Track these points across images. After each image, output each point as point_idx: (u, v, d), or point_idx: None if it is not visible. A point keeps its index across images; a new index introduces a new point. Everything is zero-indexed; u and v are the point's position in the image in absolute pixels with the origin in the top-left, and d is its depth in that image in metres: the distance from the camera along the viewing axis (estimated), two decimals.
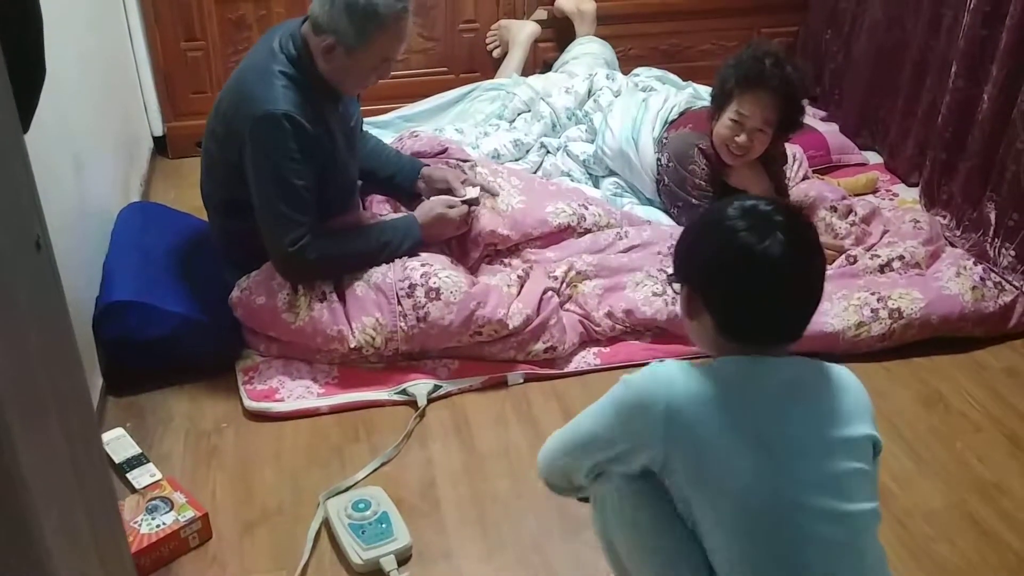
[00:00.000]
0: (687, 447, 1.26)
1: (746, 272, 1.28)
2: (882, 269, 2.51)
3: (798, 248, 1.27)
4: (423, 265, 2.24)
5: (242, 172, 2.11)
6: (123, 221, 2.50)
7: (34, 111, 1.28)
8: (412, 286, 2.20)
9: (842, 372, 1.38)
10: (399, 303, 2.19)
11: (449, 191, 2.44)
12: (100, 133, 2.59)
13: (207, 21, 3.26)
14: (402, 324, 2.17)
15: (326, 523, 1.82)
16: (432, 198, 2.39)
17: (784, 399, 1.30)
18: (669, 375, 1.29)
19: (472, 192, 2.43)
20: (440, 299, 2.18)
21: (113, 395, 2.19)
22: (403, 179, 2.51)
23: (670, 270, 1.42)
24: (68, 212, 2.13)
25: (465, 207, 2.37)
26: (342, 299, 2.22)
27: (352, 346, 2.18)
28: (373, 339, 2.18)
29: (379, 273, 2.23)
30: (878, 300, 2.35)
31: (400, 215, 2.38)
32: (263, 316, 2.22)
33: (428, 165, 2.57)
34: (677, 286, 1.38)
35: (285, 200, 2.08)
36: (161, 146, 3.42)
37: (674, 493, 1.31)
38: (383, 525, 1.78)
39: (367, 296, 2.20)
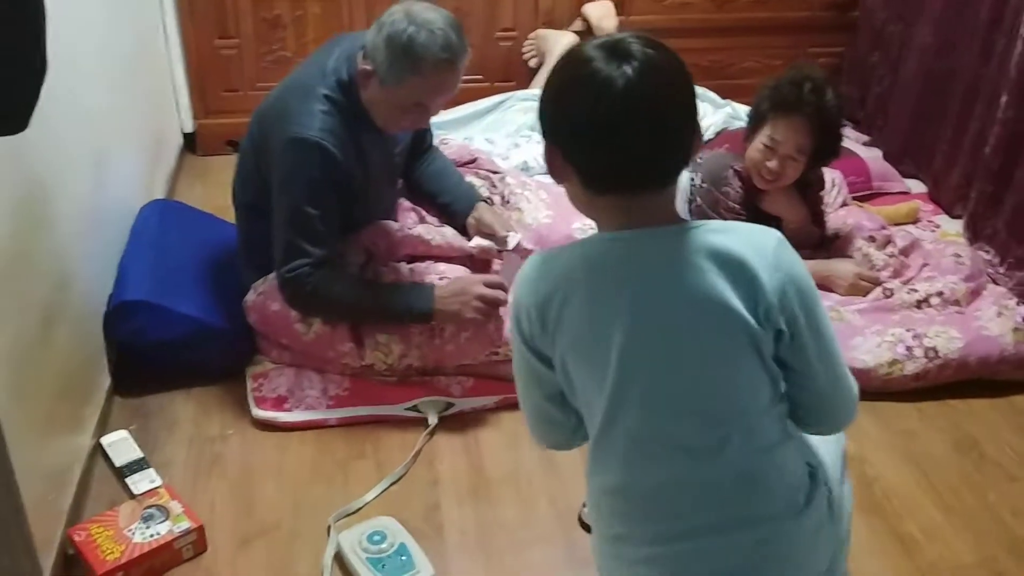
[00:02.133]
0: (557, 324, 1.21)
1: (591, 100, 1.13)
2: (919, 305, 2.41)
3: (649, 74, 1.13)
4: (440, 279, 2.18)
5: (272, 186, 2.06)
6: (143, 218, 2.47)
7: (33, 108, 1.23)
8: None
9: (738, 242, 1.18)
10: None
11: (493, 236, 2.33)
12: (124, 128, 2.57)
13: (242, 19, 3.24)
14: (416, 340, 2.11)
15: (338, 555, 1.75)
16: (465, 278, 2.16)
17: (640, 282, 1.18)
18: (528, 268, 1.25)
19: (512, 239, 2.32)
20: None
21: (120, 395, 2.16)
22: (458, 210, 2.40)
23: None
24: (85, 206, 2.10)
25: (500, 294, 2.10)
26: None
27: (365, 362, 2.13)
28: (386, 356, 2.12)
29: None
30: (913, 337, 2.25)
31: (422, 285, 2.15)
32: (276, 323, 2.17)
33: (489, 200, 2.49)
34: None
35: (295, 227, 2.02)
36: (190, 143, 3.40)
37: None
38: (403, 558, 1.71)
39: None
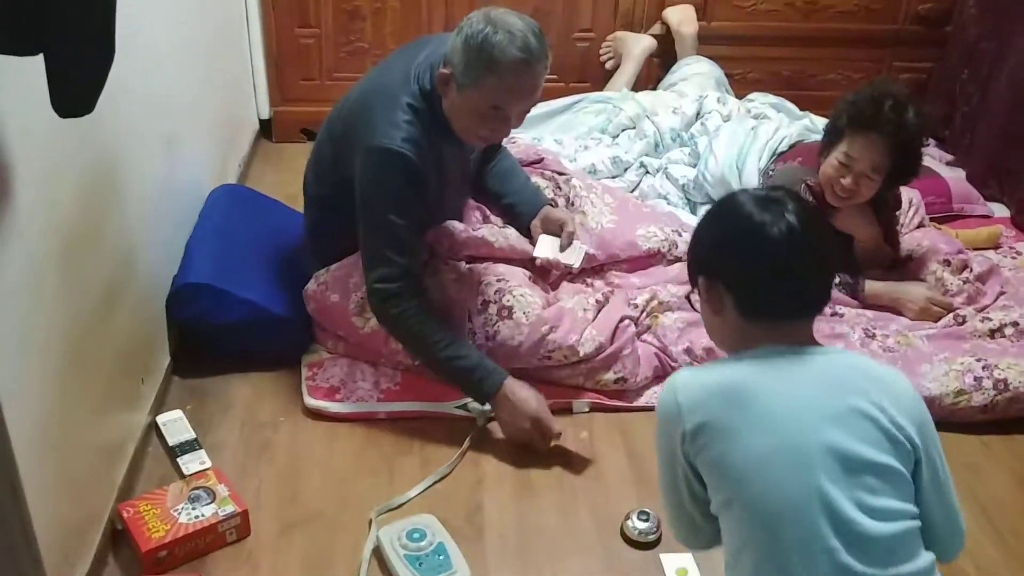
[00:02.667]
0: (708, 435, 1.28)
1: (762, 244, 1.32)
2: (992, 334, 2.32)
3: (807, 222, 1.33)
4: (499, 280, 2.17)
5: (347, 182, 2.04)
6: (212, 202, 2.51)
7: (100, 91, 1.26)
8: (485, 303, 2.13)
9: (888, 371, 1.37)
10: (470, 320, 2.12)
11: (559, 234, 2.28)
12: (200, 112, 2.62)
13: (322, 9, 3.28)
14: (470, 342, 2.11)
15: (377, 549, 1.76)
16: (538, 400, 2.00)
17: (807, 387, 1.30)
18: (682, 375, 1.35)
19: (574, 257, 2.24)
20: (512, 319, 2.11)
21: (179, 376, 2.20)
22: (522, 212, 2.36)
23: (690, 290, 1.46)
24: (155, 187, 2.14)
25: (549, 426, 1.98)
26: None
27: (417, 361, 2.13)
28: None
29: (454, 286, 2.17)
30: (983, 368, 2.17)
31: (498, 369, 2.03)
32: (333, 314, 2.19)
33: (554, 203, 2.46)
34: (695, 296, 1.43)
35: (383, 238, 2.00)
36: (266, 129, 3.45)
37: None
38: (440, 557, 1.71)
39: (440, 307, 2.14)
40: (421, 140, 1.98)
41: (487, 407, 2.05)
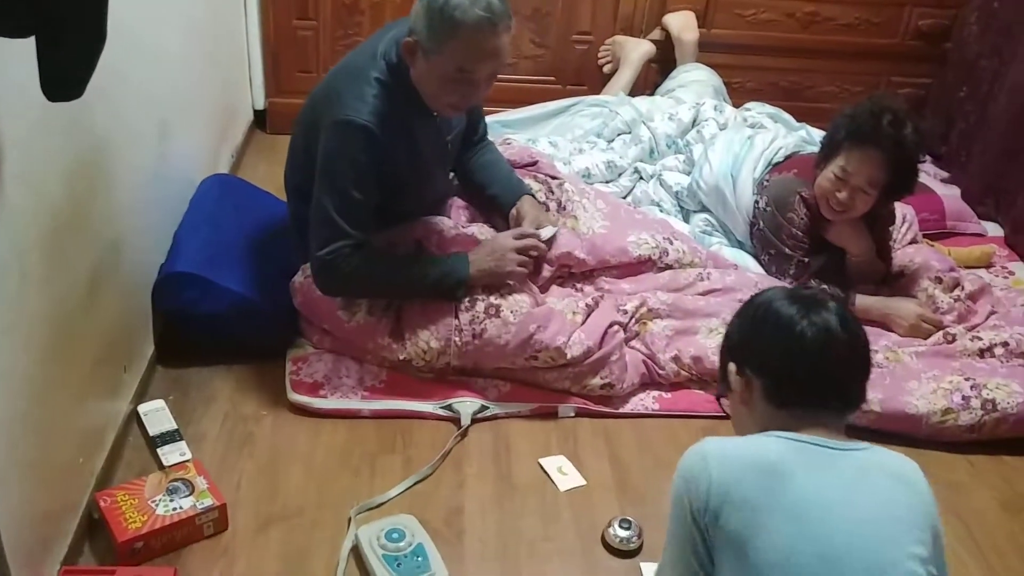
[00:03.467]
0: (731, 510, 1.24)
1: (802, 340, 1.33)
2: (982, 353, 2.31)
3: (847, 322, 1.35)
4: None
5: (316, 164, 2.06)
6: (203, 192, 2.49)
7: (90, 76, 1.24)
8: (473, 299, 2.12)
9: (905, 465, 1.34)
10: (456, 316, 2.11)
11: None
12: (194, 100, 2.59)
13: (321, 2, 3.26)
14: (456, 339, 2.09)
15: (355, 548, 1.74)
16: (498, 244, 2.17)
17: (837, 489, 1.26)
18: (713, 444, 1.31)
19: (547, 231, 2.28)
20: (499, 316, 2.10)
21: (162, 365, 2.18)
22: (504, 202, 2.37)
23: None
24: (146, 175, 2.12)
25: (531, 241, 2.16)
26: (401, 307, 2.16)
27: (402, 357, 2.12)
28: (425, 352, 2.11)
29: None
30: (972, 387, 2.16)
31: (458, 254, 2.17)
32: (319, 307, 2.17)
33: (546, 208, 2.45)
34: (725, 400, 1.44)
35: (337, 208, 2.00)
36: (261, 120, 3.43)
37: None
38: (419, 558, 1.69)
39: (426, 306, 2.13)
40: (388, 114, 1.98)
41: (473, 405, 2.04)
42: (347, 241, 2.01)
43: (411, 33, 1.94)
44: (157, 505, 1.74)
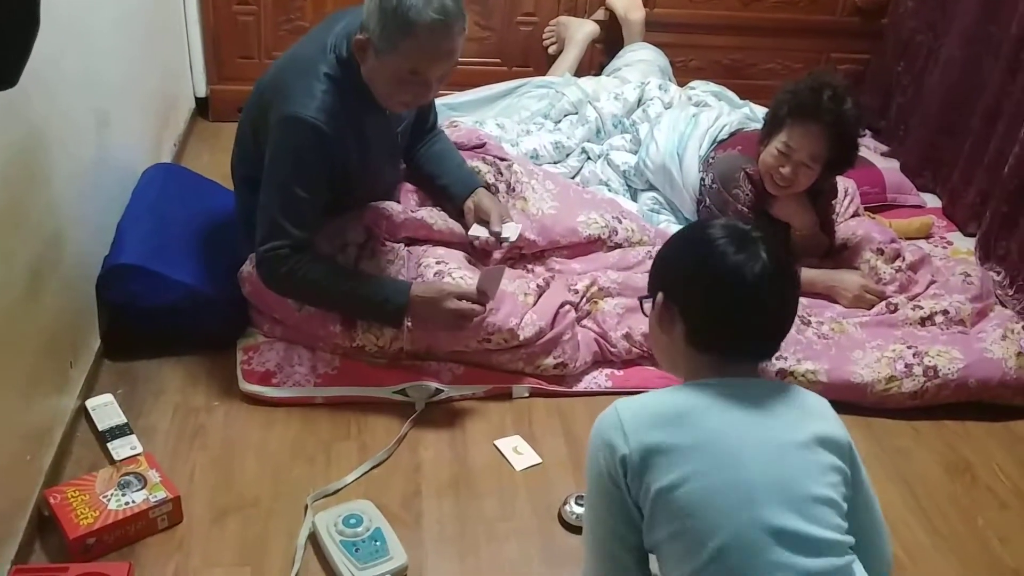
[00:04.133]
0: (652, 465, 1.26)
1: (728, 283, 1.31)
2: (923, 322, 2.37)
3: (778, 267, 1.32)
4: (438, 263, 2.16)
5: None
6: (145, 182, 2.45)
7: (23, 65, 1.21)
8: None
9: (811, 396, 1.39)
10: None
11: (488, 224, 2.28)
12: (132, 89, 2.54)
13: None
14: (408, 323, 2.09)
15: (313, 535, 1.73)
16: (442, 284, 2.10)
17: (746, 421, 1.30)
18: (624, 400, 1.32)
19: (510, 230, 2.26)
20: None
21: (109, 359, 2.14)
22: (456, 193, 2.34)
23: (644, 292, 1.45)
24: (85, 164, 2.08)
25: (471, 309, 2.03)
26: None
27: (355, 344, 2.11)
28: (378, 338, 2.11)
29: (392, 270, 2.15)
30: (914, 355, 2.22)
31: (399, 280, 2.14)
32: (269, 296, 2.15)
33: (495, 189, 2.45)
34: (648, 304, 1.41)
35: (282, 207, 1.97)
36: (203, 108, 3.38)
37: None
38: (377, 543, 1.69)
39: None
40: (337, 110, 1.95)
41: (427, 389, 2.04)
42: (286, 241, 1.98)
43: (363, 30, 1.90)
44: (109, 500, 1.71)
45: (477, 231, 2.26)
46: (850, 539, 1.29)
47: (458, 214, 2.33)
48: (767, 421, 1.30)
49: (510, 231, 2.26)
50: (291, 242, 1.98)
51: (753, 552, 1.22)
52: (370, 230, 2.22)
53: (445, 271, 2.14)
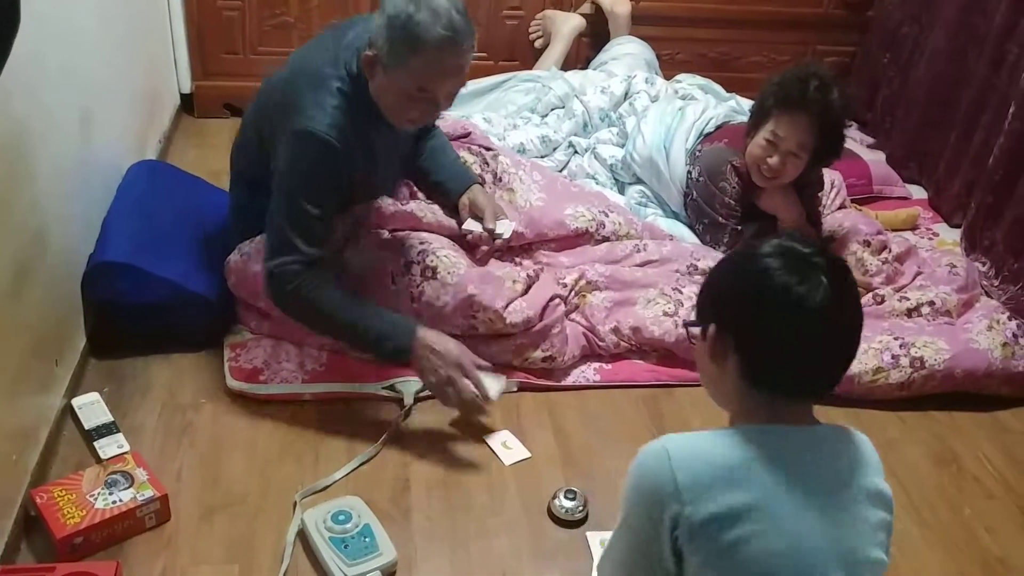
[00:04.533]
0: (706, 522, 1.17)
1: (788, 315, 1.20)
2: (910, 313, 2.38)
3: (842, 295, 1.21)
4: (421, 244, 2.14)
5: (269, 162, 1.99)
6: (130, 178, 2.43)
7: (3, 62, 1.20)
8: (408, 263, 2.11)
9: (863, 444, 1.31)
10: (393, 282, 2.11)
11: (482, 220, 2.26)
12: (116, 85, 2.53)
13: None
14: (395, 305, 2.08)
15: (302, 532, 1.73)
16: (460, 350, 1.96)
17: (806, 478, 1.21)
18: (676, 442, 1.21)
19: (504, 227, 2.26)
20: (436, 278, 2.10)
21: (95, 357, 2.13)
22: (450, 189, 2.32)
23: (690, 310, 1.36)
24: (69, 161, 2.07)
25: (472, 394, 1.95)
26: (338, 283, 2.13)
27: (324, 336, 2.10)
28: None
29: (376, 251, 2.15)
30: (901, 346, 2.22)
31: (405, 316, 2.05)
32: (254, 286, 2.12)
33: (482, 179, 2.43)
34: (696, 330, 1.30)
35: (292, 221, 1.93)
36: (188, 104, 3.36)
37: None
38: (366, 539, 1.68)
39: (362, 280, 2.11)
40: (347, 127, 1.92)
41: (415, 384, 2.04)
42: (297, 257, 1.93)
43: (371, 46, 1.87)
44: (96, 499, 1.70)
45: (471, 226, 2.26)
46: None
47: (452, 210, 2.32)
48: (825, 477, 1.22)
49: (504, 228, 2.25)
50: (302, 258, 1.93)
51: None
52: (357, 220, 2.21)
53: (429, 250, 2.13)
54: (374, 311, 2.00)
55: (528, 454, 1.98)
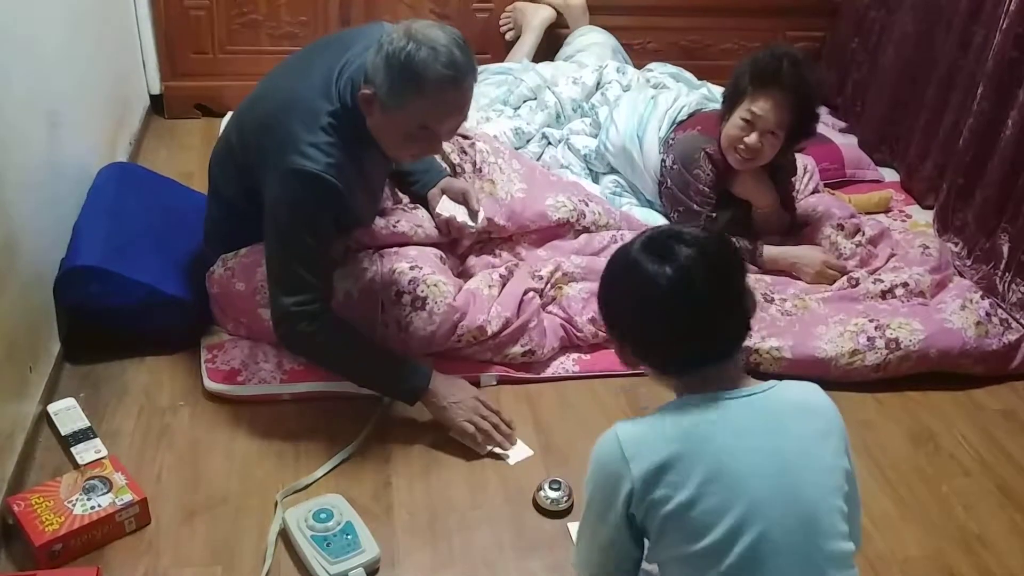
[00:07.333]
0: (659, 491, 1.26)
1: (651, 299, 1.28)
2: (884, 295, 2.39)
3: (702, 258, 1.26)
4: (412, 269, 2.12)
5: (256, 192, 1.93)
6: (101, 181, 2.41)
7: None
8: (399, 293, 2.09)
9: (808, 394, 1.37)
10: (383, 310, 2.09)
11: (464, 202, 2.27)
12: (85, 87, 2.51)
13: None
14: (382, 332, 2.08)
15: (284, 532, 1.72)
16: (472, 395, 1.98)
17: (746, 441, 1.27)
18: (622, 426, 1.30)
19: (475, 217, 2.26)
20: (424, 309, 2.08)
21: (70, 362, 2.12)
22: (417, 179, 2.31)
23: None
24: (38, 165, 2.05)
25: (489, 436, 1.96)
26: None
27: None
28: None
29: (366, 277, 2.11)
30: (876, 328, 2.24)
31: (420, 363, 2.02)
32: (238, 301, 2.12)
33: (460, 168, 2.42)
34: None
35: (299, 260, 1.88)
36: (158, 105, 3.33)
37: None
38: (348, 536, 1.68)
39: (349, 303, 2.08)
40: (344, 163, 1.85)
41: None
42: (313, 294, 1.89)
43: (367, 83, 1.80)
44: (74, 505, 1.69)
45: (443, 208, 2.25)
46: (851, 547, 1.30)
47: (422, 201, 2.31)
48: (775, 437, 1.28)
49: (474, 217, 2.25)
50: (317, 295, 1.90)
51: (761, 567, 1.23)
52: (349, 247, 2.17)
53: (419, 278, 2.10)
54: (387, 357, 2.01)
55: (531, 452, 1.97)
